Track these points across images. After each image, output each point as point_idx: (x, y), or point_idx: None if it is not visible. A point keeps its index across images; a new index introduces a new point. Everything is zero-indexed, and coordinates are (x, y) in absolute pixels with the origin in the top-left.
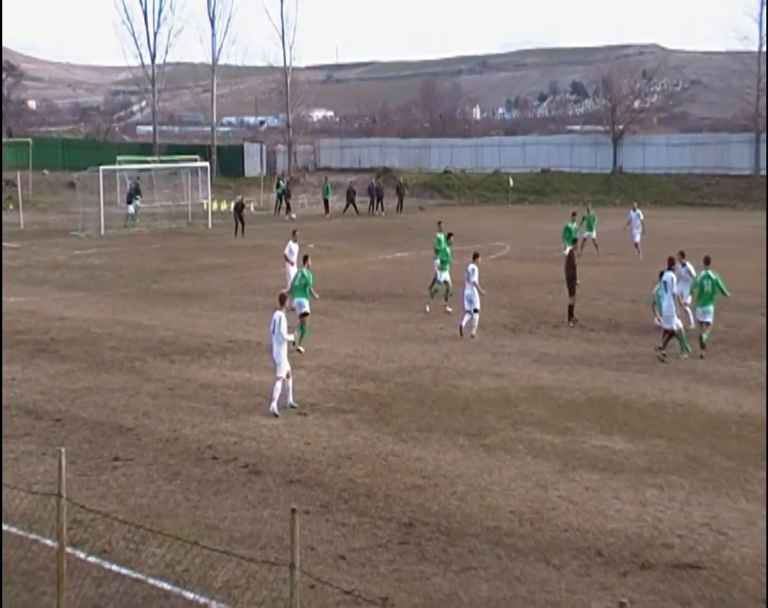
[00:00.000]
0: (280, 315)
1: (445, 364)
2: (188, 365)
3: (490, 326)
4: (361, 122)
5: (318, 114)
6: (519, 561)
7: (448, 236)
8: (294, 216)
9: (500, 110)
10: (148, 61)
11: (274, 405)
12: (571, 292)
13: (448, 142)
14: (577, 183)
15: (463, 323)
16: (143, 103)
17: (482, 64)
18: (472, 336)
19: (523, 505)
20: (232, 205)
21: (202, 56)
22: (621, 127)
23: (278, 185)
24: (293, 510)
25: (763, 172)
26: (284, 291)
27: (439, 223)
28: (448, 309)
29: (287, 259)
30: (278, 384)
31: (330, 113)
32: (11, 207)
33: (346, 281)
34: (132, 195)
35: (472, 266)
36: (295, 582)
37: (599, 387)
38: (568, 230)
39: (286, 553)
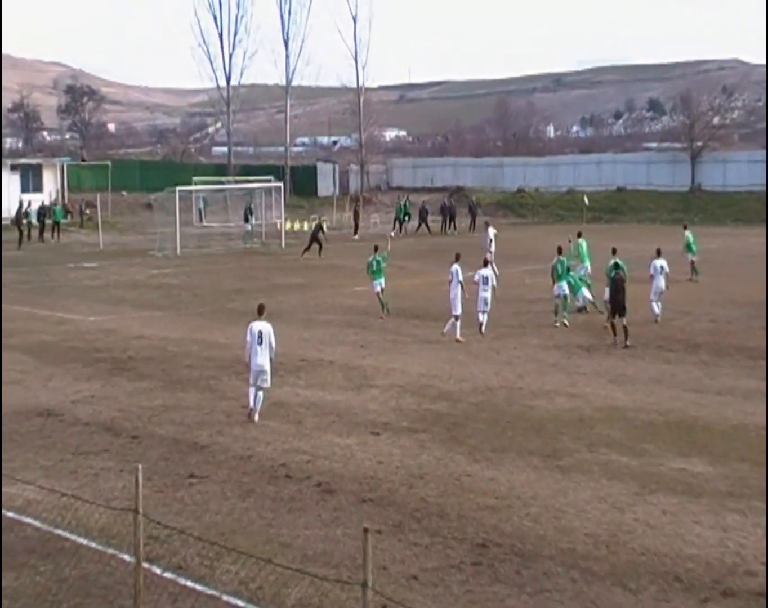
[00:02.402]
0: (269, 325)
1: (519, 385)
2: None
3: (566, 346)
4: (434, 141)
5: (391, 133)
6: (594, 585)
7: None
8: (357, 238)
9: (575, 128)
10: (223, 83)
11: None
12: (613, 313)
13: (522, 160)
14: (654, 201)
15: (483, 322)
16: (218, 125)
17: (556, 81)
18: (449, 336)
19: (599, 528)
20: (313, 224)
21: (276, 78)
22: (700, 143)
23: (401, 209)
24: (366, 530)
25: None
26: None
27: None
28: (565, 323)
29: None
30: (261, 396)
31: (403, 133)
32: (83, 227)
33: (419, 300)
34: (248, 214)
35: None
36: (367, 602)
37: (677, 409)
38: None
39: (358, 572)
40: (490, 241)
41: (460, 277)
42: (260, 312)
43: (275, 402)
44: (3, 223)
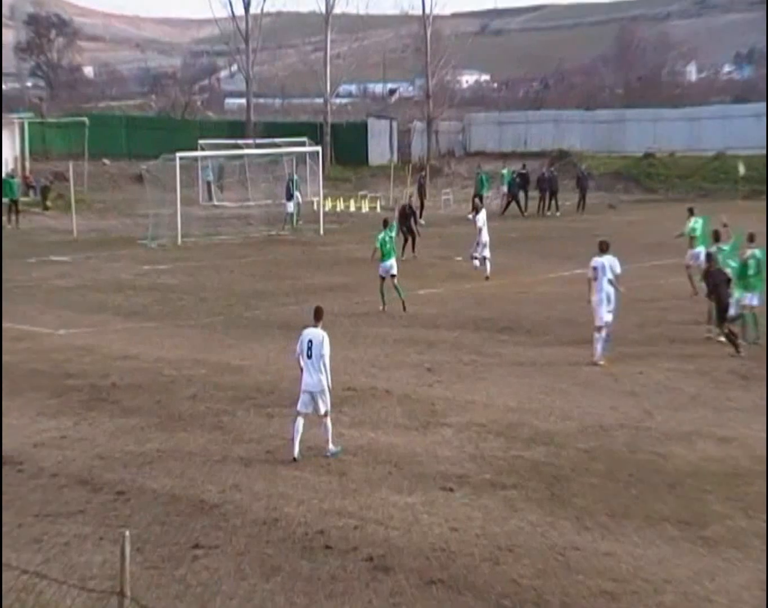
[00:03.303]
0: (322, 334)
1: (647, 424)
2: (293, 421)
3: (713, 371)
4: (527, 89)
5: (469, 78)
6: None
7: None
8: (422, 221)
9: (726, 68)
10: (240, 11)
11: (331, 447)
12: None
13: (651, 113)
14: None
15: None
16: (233, 68)
17: (700, 3)
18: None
19: None
20: (396, 210)
21: (312, 3)
22: None
23: (482, 183)
24: None
25: None
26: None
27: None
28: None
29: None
30: (328, 422)
31: (485, 77)
32: (48, 206)
33: (507, 307)
34: (291, 188)
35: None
36: None
37: None
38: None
39: None
40: (480, 229)
41: (610, 274)
42: (316, 317)
43: (310, 447)
44: None
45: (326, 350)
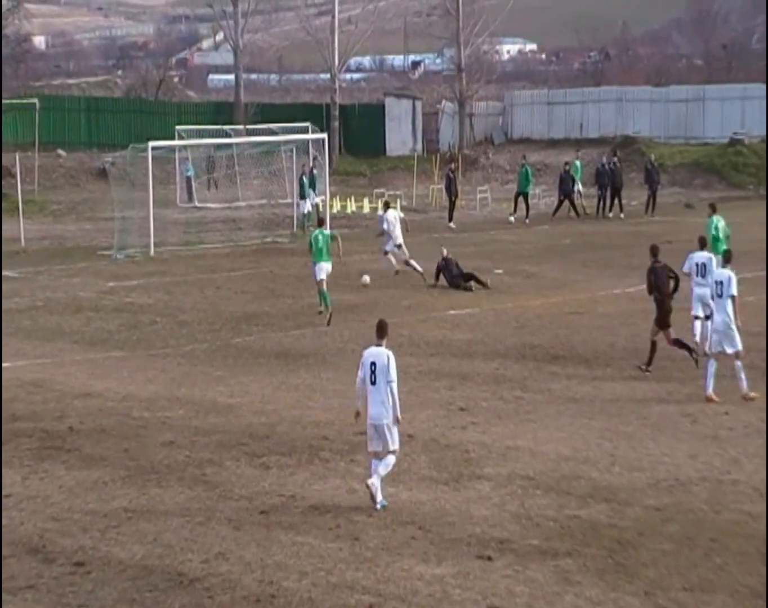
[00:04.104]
0: (386, 353)
1: (733, 476)
2: (293, 473)
3: None
4: (583, 60)
5: (511, 48)
6: None
7: None
8: (452, 225)
9: None
10: None
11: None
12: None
13: (739, 90)
14: None
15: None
16: (219, 37)
17: None
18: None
19: None
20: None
21: None
22: None
23: (526, 176)
24: None
25: None
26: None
27: None
28: None
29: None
30: (392, 460)
31: (531, 47)
32: None
33: (558, 331)
34: (306, 185)
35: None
36: None
37: None
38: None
39: None
40: (385, 232)
41: (734, 290)
42: (380, 333)
43: (313, 505)
44: None
45: (393, 374)
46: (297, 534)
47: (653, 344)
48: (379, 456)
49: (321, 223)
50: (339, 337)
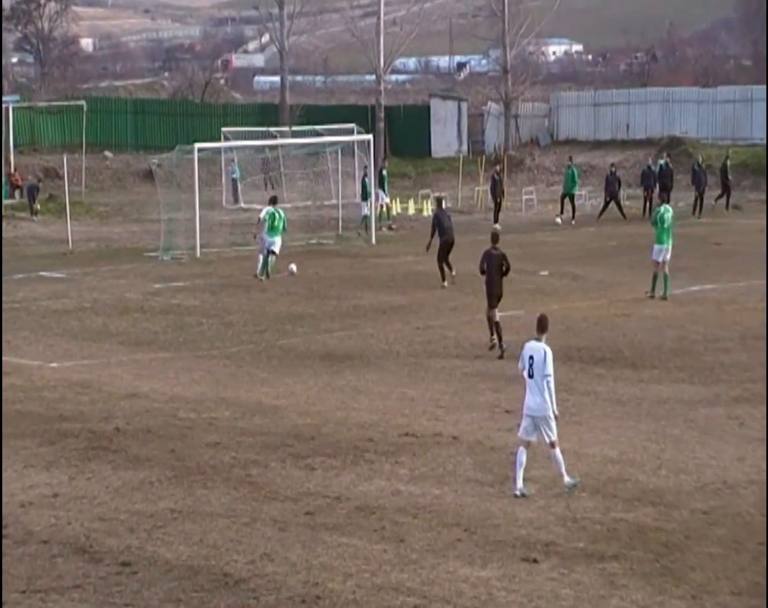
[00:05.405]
0: (543, 348)
1: None
2: (338, 474)
3: None
4: (630, 61)
5: (557, 49)
6: None
7: None
8: (498, 227)
9: None
10: None
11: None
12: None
13: None
14: None
15: None
16: (265, 39)
17: None
18: None
19: None
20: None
21: None
22: None
23: (572, 178)
24: None
25: None
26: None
27: None
28: None
29: None
30: (557, 453)
31: (577, 47)
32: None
33: (604, 333)
34: (368, 187)
35: None
36: None
37: None
38: None
39: None
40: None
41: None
42: (540, 328)
43: (359, 506)
44: None
45: (550, 369)
46: (342, 535)
47: (490, 321)
48: (528, 446)
49: (274, 201)
50: (384, 339)
